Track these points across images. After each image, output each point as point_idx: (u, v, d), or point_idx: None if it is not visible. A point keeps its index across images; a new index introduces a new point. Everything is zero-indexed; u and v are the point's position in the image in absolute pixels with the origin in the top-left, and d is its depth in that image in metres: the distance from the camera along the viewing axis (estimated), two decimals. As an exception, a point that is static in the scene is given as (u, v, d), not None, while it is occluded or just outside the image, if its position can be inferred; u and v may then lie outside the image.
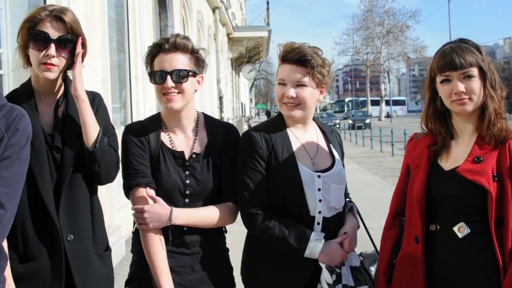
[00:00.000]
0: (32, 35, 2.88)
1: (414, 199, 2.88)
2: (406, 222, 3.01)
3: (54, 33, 2.88)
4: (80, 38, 2.99)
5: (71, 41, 2.94)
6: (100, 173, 3.01)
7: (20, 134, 2.52)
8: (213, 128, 3.32)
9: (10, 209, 2.42)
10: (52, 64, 2.89)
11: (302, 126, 3.32)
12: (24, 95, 3.00)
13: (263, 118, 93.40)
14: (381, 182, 16.45)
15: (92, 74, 7.16)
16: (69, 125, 3.01)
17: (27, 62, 3.00)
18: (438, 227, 2.84)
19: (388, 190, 13.50)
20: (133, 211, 3.12)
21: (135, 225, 3.17)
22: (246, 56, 38.59)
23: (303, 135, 3.30)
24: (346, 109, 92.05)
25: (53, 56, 2.87)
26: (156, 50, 3.14)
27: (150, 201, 3.06)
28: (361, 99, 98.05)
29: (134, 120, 10.69)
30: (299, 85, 3.14)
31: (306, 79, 3.14)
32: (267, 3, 47.08)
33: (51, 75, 2.92)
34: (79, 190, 3.01)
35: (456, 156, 2.87)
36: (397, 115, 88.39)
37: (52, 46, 2.86)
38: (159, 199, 3.08)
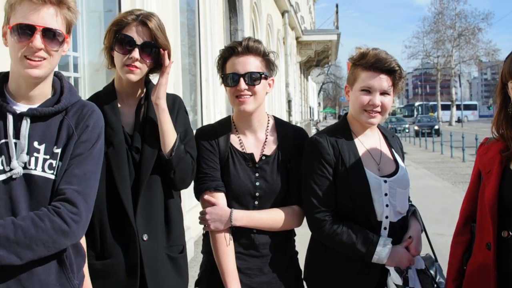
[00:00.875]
0: (118, 39, 2.97)
1: (486, 204, 2.83)
2: (477, 228, 2.96)
3: (139, 38, 2.96)
4: (166, 51, 3.05)
5: (155, 46, 3.00)
6: (175, 179, 3.06)
7: (91, 131, 2.58)
8: (284, 130, 3.35)
9: (85, 207, 2.44)
10: (135, 67, 2.96)
11: (369, 131, 3.33)
12: (107, 96, 3.09)
13: (331, 121, 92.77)
14: (452, 188, 16.13)
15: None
16: (149, 127, 3.07)
17: (111, 63, 3.09)
18: (511, 234, 2.79)
19: (459, 196, 13.23)
20: (200, 212, 3.21)
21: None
22: (315, 59, 38.54)
23: (368, 141, 3.31)
24: (415, 113, 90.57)
25: (137, 59, 2.95)
26: (228, 53, 3.20)
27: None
28: (431, 103, 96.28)
29: (205, 123, 10.83)
30: (383, 93, 3.16)
31: (391, 88, 3.17)
32: (336, 6, 46.78)
33: (134, 77, 2.99)
34: (156, 191, 3.07)
35: None
36: (468, 120, 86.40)
37: (136, 50, 2.95)
38: (218, 202, 3.14)
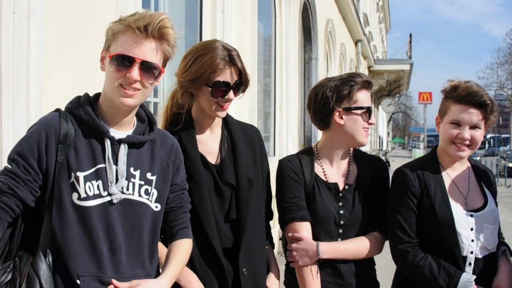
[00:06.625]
0: (216, 85, 2.94)
1: None
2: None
3: (232, 80, 2.97)
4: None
5: (242, 85, 3.05)
6: None
7: (182, 161, 2.77)
8: (363, 160, 3.39)
9: None
10: (227, 105, 3.02)
11: (458, 164, 3.28)
12: (185, 128, 3.06)
13: (400, 152, 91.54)
14: (525, 224, 15.66)
15: (240, 103, 7.39)
16: (230, 156, 3.09)
17: (191, 99, 3.10)
18: None
19: (533, 233, 12.82)
20: (288, 247, 3.22)
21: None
22: (386, 89, 38.12)
23: (456, 174, 3.27)
24: (487, 146, 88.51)
25: (231, 100, 3.02)
26: (353, 86, 3.21)
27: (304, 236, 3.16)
28: (503, 136, 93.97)
29: (277, 150, 10.91)
30: (474, 127, 3.12)
31: (482, 122, 3.13)
32: (410, 36, 46.28)
33: (224, 114, 3.05)
34: (256, 221, 3.12)
35: None
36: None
37: (231, 92, 2.98)
38: (304, 236, 3.15)
